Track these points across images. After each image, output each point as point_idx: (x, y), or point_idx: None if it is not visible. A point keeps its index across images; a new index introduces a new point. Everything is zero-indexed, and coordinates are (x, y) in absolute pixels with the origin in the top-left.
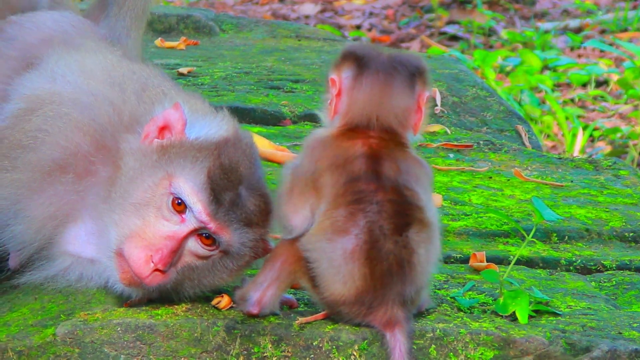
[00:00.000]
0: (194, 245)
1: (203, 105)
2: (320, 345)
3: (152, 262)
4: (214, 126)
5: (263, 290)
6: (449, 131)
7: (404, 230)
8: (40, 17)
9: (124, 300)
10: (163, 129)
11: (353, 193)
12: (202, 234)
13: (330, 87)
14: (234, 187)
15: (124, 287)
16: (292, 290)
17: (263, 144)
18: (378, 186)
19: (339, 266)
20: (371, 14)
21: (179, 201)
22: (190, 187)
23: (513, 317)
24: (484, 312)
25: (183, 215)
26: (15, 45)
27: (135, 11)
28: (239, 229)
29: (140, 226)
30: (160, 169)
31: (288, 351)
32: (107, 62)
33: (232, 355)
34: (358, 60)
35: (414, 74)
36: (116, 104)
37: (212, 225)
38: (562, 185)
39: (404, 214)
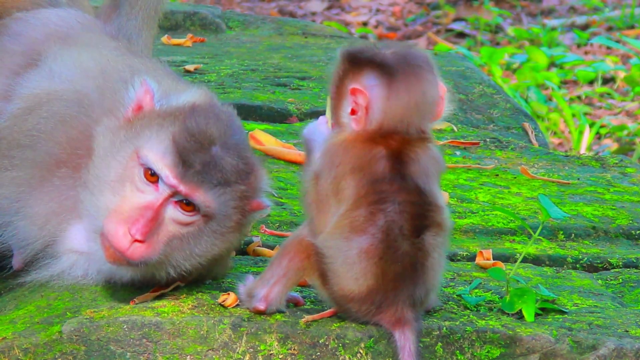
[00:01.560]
0: (174, 213)
1: (185, 85)
2: (327, 343)
3: (130, 233)
4: (184, 96)
5: (270, 286)
6: (455, 129)
7: (422, 232)
8: (46, 14)
9: (130, 298)
10: (138, 109)
11: (375, 194)
12: (181, 200)
13: (353, 97)
14: (204, 148)
15: (111, 266)
16: (298, 287)
17: (269, 141)
18: (401, 187)
19: (352, 263)
20: (378, 10)
21: (152, 171)
22: (154, 154)
23: (519, 315)
24: (491, 310)
25: (157, 184)
26: (20, 40)
27: (147, 11)
28: (214, 189)
29: (117, 202)
30: (128, 143)
31: (294, 349)
32: (103, 58)
33: (238, 352)
34: (381, 66)
35: (432, 65)
36: (103, 94)
37: (182, 188)
38: (568, 183)
39: (424, 215)
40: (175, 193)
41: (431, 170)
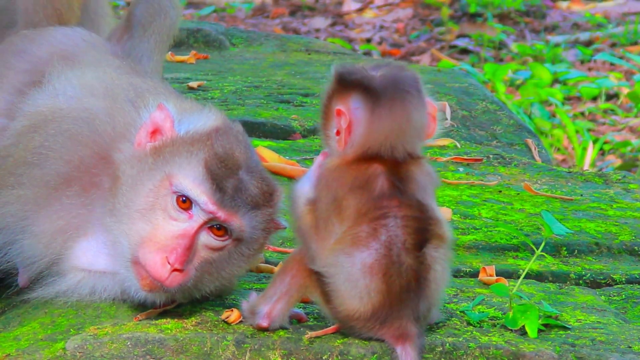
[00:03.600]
0: (207, 238)
1: (191, 104)
2: (330, 359)
3: (169, 263)
4: (202, 119)
5: (273, 303)
6: (458, 145)
7: (423, 245)
8: (51, 32)
9: (134, 314)
10: (154, 132)
11: (376, 210)
12: (212, 225)
13: (337, 118)
14: (234, 173)
15: (147, 294)
16: (301, 304)
17: (273, 158)
18: (401, 202)
19: (356, 281)
20: (382, 27)
21: (184, 198)
22: (190, 181)
23: (522, 331)
24: (494, 326)
25: (190, 211)
26: (25, 58)
27: (160, 35)
28: (247, 213)
29: (150, 231)
30: (158, 171)
31: None
32: (106, 76)
33: None
34: (367, 90)
35: (420, 89)
36: (113, 116)
37: (221, 214)
38: (571, 199)
39: (425, 229)
40: (211, 219)
41: (427, 186)
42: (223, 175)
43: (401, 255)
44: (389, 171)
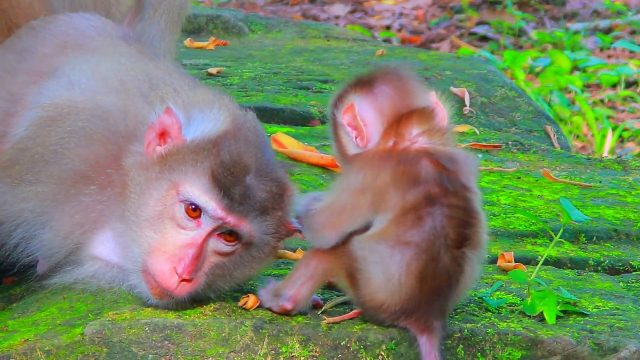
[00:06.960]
0: (216, 244)
1: (204, 95)
2: (348, 345)
3: (177, 273)
4: (211, 121)
5: (298, 287)
6: (477, 131)
7: (463, 244)
8: (58, 24)
9: None
10: (162, 134)
11: (423, 197)
12: (221, 231)
13: (348, 115)
14: (241, 179)
15: (158, 301)
16: (318, 291)
17: (292, 144)
18: (447, 189)
19: (391, 275)
20: (401, 14)
21: (193, 206)
22: (197, 188)
23: (541, 318)
24: (512, 312)
25: (199, 220)
26: (26, 57)
27: (170, 15)
28: (256, 218)
29: (159, 240)
30: (164, 180)
31: (316, 351)
32: (121, 67)
33: (260, 355)
34: (360, 82)
35: (412, 73)
36: (126, 114)
37: (230, 219)
38: (590, 186)
39: (469, 223)
40: (220, 226)
41: (468, 167)
42: (230, 183)
43: (440, 254)
44: (429, 153)
